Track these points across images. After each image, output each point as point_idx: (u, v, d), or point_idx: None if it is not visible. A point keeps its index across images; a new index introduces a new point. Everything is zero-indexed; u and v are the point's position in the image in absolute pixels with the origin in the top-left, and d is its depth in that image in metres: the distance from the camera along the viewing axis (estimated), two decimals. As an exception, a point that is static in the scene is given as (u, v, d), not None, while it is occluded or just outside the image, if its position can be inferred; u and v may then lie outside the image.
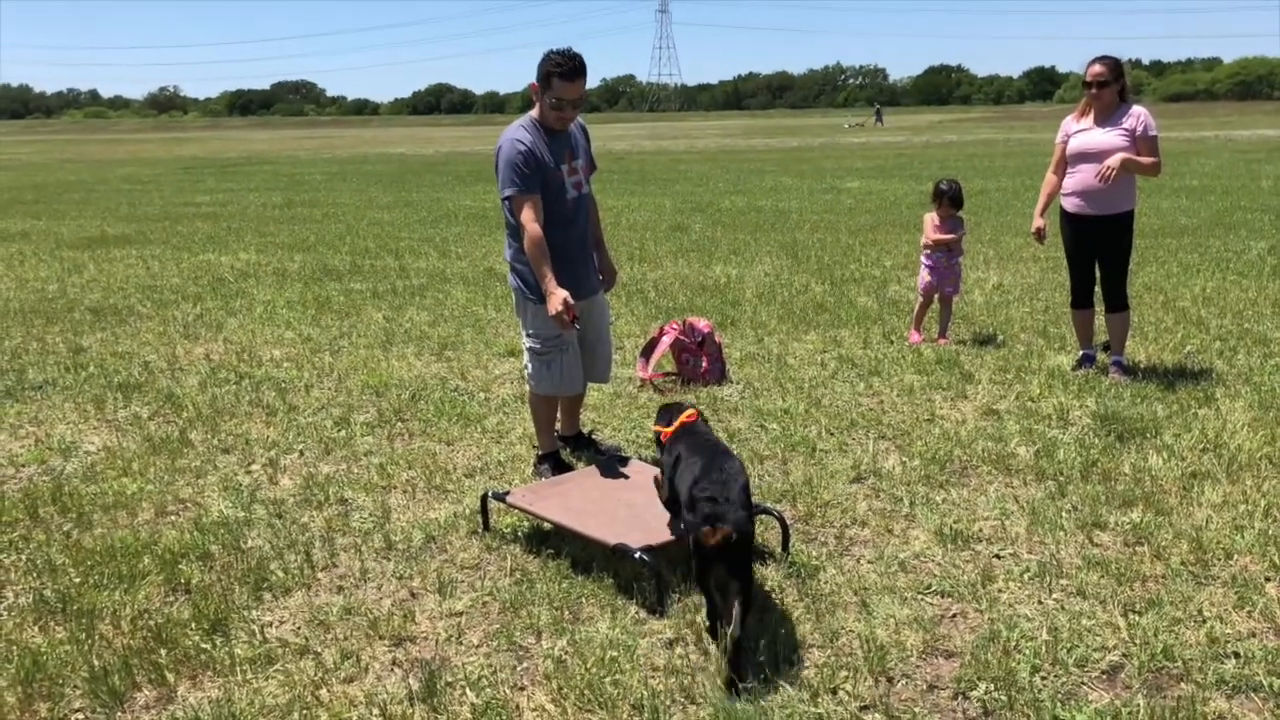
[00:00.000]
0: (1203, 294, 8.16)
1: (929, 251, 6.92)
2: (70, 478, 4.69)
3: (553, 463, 4.59)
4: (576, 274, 4.37)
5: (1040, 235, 6.07)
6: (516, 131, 4.22)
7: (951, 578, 3.50)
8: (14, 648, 3.19)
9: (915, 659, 3.01)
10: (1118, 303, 5.86)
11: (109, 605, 3.43)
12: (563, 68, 4.06)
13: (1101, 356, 6.13)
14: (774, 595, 3.40)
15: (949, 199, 6.83)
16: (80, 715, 2.87)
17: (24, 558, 3.84)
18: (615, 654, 3.04)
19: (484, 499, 4.03)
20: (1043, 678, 2.90)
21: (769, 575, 3.52)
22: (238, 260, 11.58)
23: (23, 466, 4.88)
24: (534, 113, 4.26)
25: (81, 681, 2.99)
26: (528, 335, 4.46)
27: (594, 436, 5.00)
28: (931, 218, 6.95)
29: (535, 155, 4.16)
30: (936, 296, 6.99)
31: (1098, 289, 5.95)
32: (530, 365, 4.50)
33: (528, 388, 4.64)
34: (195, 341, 7.47)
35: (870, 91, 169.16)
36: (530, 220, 4.15)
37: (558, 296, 4.06)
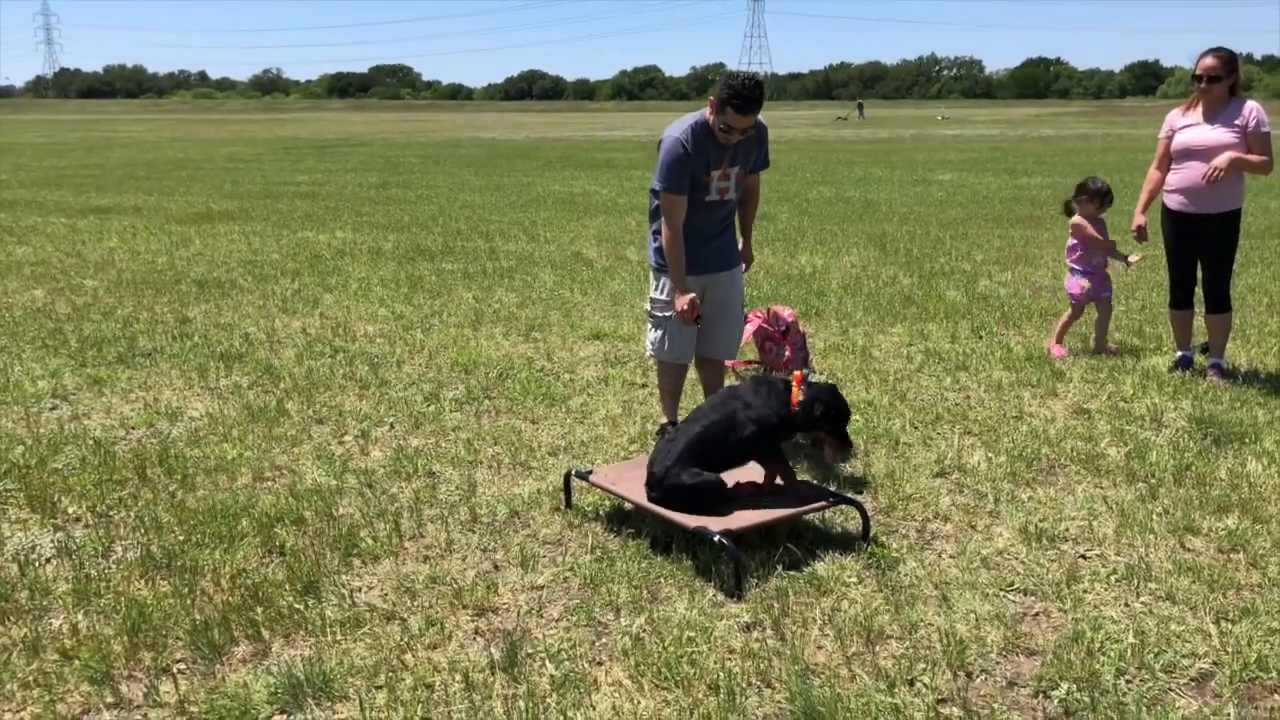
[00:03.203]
0: (1314, 298, 7.82)
1: (1083, 256, 6.32)
2: (175, 441, 4.91)
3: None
4: (705, 250, 4.56)
5: (1141, 233, 5.90)
6: (682, 131, 4.35)
7: (1035, 576, 3.45)
8: (122, 599, 3.36)
9: (995, 655, 2.98)
10: (1220, 304, 5.66)
11: (210, 563, 3.59)
12: (739, 99, 4.17)
13: (1199, 358, 5.94)
14: (853, 585, 3.40)
15: (1106, 199, 6.25)
16: (181, 665, 3.02)
17: (133, 515, 4.05)
18: (692, 634, 3.08)
19: (567, 477, 4.10)
20: (1128, 681, 2.84)
21: (848, 565, 3.52)
22: (334, 238, 11.90)
23: (133, 429, 5.13)
24: (708, 113, 4.37)
25: (183, 634, 3.14)
26: (650, 300, 4.73)
27: None
28: (1085, 222, 6.26)
29: (689, 158, 4.32)
30: (1092, 305, 6.40)
31: (1198, 289, 5.76)
32: (648, 327, 4.77)
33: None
34: (293, 315, 7.72)
35: (965, 83, 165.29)
36: (672, 218, 4.41)
37: (685, 297, 4.42)
